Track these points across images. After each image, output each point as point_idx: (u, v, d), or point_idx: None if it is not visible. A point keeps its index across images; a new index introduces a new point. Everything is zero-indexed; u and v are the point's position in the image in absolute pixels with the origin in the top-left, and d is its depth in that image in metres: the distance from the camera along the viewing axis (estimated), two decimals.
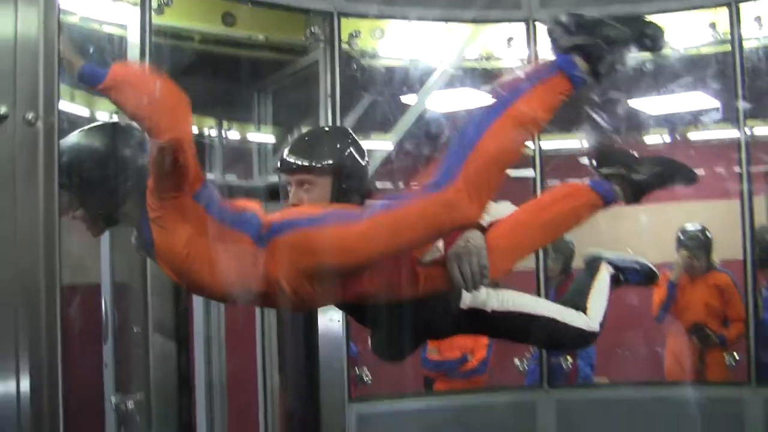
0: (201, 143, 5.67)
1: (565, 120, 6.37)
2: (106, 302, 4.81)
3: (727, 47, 5.63)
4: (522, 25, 5.73)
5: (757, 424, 5.40)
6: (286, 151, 3.09)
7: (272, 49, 5.51)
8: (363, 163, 3.10)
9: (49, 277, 1.68)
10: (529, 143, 5.77)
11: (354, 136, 3.18)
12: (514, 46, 5.90)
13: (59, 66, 1.71)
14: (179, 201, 2.58)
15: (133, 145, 2.69)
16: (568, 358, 5.94)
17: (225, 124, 6.00)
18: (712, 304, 6.18)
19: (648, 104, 7.04)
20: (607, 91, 5.94)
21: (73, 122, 3.52)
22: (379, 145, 5.90)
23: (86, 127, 2.70)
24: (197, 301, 5.21)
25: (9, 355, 1.65)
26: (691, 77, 6.18)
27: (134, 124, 2.64)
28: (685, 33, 5.93)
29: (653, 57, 6.01)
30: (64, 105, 2.62)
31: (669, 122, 7.27)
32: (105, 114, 4.36)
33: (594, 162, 3.20)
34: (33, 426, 1.65)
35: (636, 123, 7.10)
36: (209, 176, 5.54)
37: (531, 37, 5.69)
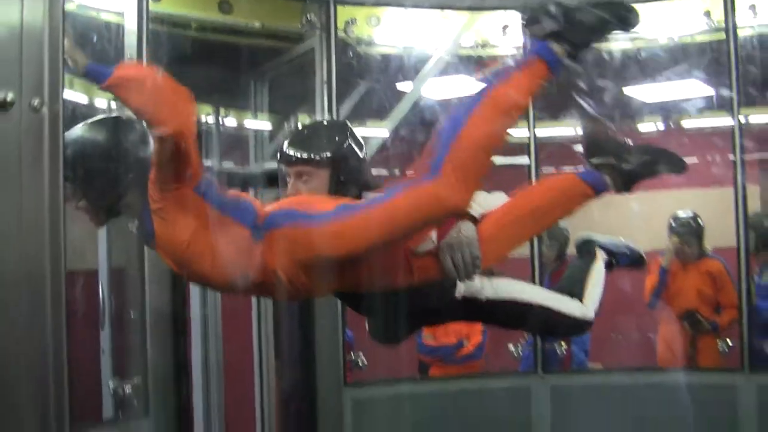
0: (198, 130, 5.67)
1: (559, 107, 6.41)
2: (103, 288, 4.83)
3: (722, 35, 5.65)
4: (517, 13, 5.75)
5: (750, 410, 5.44)
6: (285, 144, 3.13)
7: (269, 37, 5.51)
8: (361, 156, 3.14)
9: (55, 262, 1.71)
10: (512, 130, 5.81)
11: (352, 129, 3.21)
12: (510, 34, 5.92)
13: (63, 54, 1.74)
14: (180, 192, 2.63)
15: (134, 138, 2.75)
16: (563, 344, 5.97)
17: (222, 111, 6.01)
18: (705, 290, 6.21)
19: (642, 92, 7.06)
20: (601, 80, 5.96)
21: (73, 109, 3.55)
22: (374, 133, 5.92)
23: (89, 121, 2.74)
24: (194, 287, 5.23)
25: (16, 341, 1.68)
26: (685, 65, 6.20)
27: (136, 117, 2.70)
28: (680, 21, 5.95)
29: (648, 45, 6.07)
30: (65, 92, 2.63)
31: (663, 110, 7.30)
32: (104, 101, 4.37)
33: (584, 152, 3.22)
34: (40, 409, 1.68)
35: (630, 111, 7.12)
36: (206, 163, 5.55)
37: None
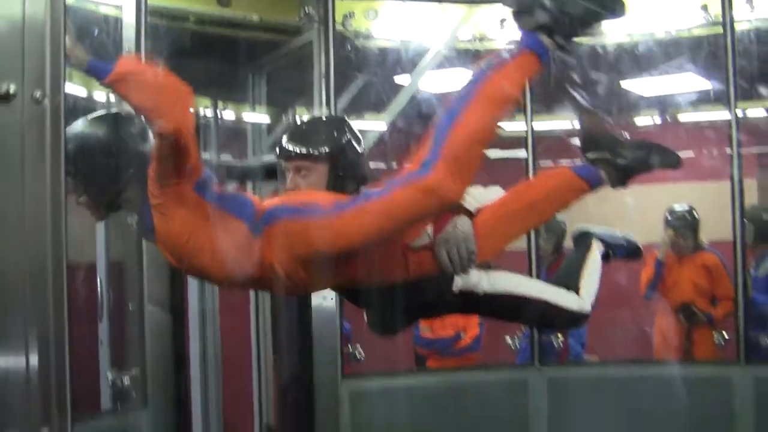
0: (196, 124, 5.68)
1: (557, 101, 6.42)
2: (101, 280, 4.84)
3: (719, 29, 5.67)
4: (508, 6, 5.74)
5: (746, 402, 5.46)
6: (284, 139, 3.16)
7: (267, 30, 5.52)
8: (359, 151, 3.17)
9: (57, 251, 1.72)
10: (510, 123, 5.85)
11: (351, 124, 3.25)
12: (507, 27, 5.93)
13: (65, 48, 1.76)
14: (180, 188, 2.66)
15: (134, 134, 2.78)
16: (560, 336, 6.00)
17: (220, 104, 6.03)
18: (700, 283, 6.24)
19: (639, 85, 7.08)
20: (598, 73, 5.98)
21: (73, 102, 3.56)
22: (372, 126, 5.93)
23: (89, 117, 2.78)
24: (192, 279, 5.25)
25: (18, 333, 1.70)
26: (682, 59, 6.22)
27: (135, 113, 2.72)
28: (677, 15, 5.97)
29: (645, 39, 6.08)
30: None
31: (660, 103, 7.31)
32: (102, 94, 4.38)
33: (581, 146, 3.24)
34: (42, 401, 1.70)
35: (627, 104, 7.14)
36: (205, 156, 5.57)
37: None
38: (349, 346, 5.51)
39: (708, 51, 6.04)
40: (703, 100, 6.92)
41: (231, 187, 5.51)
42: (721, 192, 5.69)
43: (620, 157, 3.11)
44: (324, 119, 3.93)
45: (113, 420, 4.59)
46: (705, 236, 6.32)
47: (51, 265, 1.71)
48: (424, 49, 5.88)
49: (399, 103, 5.79)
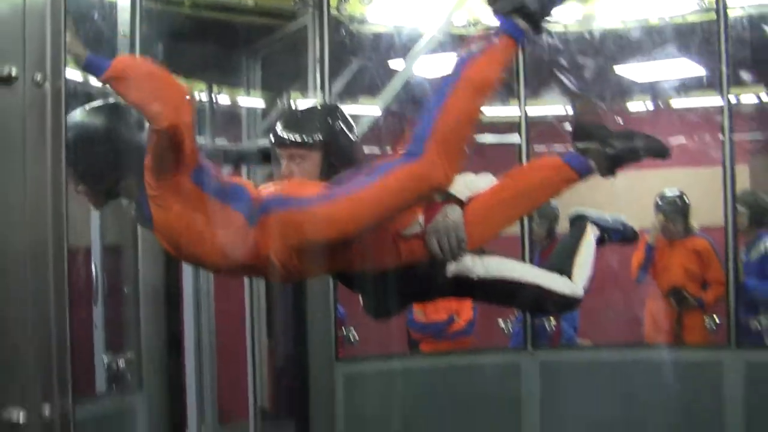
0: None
1: (550, 87, 6.44)
2: (96, 264, 4.87)
3: (712, 15, 5.68)
4: None
5: (737, 385, 5.50)
6: (278, 126, 3.19)
7: (261, 14, 5.53)
8: (352, 138, 3.21)
9: (57, 233, 1.74)
10: (504, 109, 5.86)
11: (344, 112, 3.28)
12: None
13: (65, 30, 1.77)
14: (176, 180, 2.68)
15: (132, 124, 2.81)
16: (552, 320, 6.04)
17: (215, 88, 6.04)
18: (691, 268, 6.26)
19: (632, 71, 7.10)
20: (591, 59, 6.00)
21: (74, 88, 3.57)
22: (366, 110, 5.94)
23: (87, 106, 2.80)
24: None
25: (19, 313, 1.73)
26: (676, 45, 6.24)
27: None
28: (671, 1, 5.98)
29: (639, 25, 6.09)
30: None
31: (653, 89, 7.34)
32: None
33: (572, 135, 3.28)
34: (43, 379, 1.73)
35: (620, 90, 7.16)
36: (200, 140, 5.58)
37: None
38: (343, 329, 5.55)
39: (701, 37, 6.06)
40: (696, 86, 6.95)
41: (226, 170, 5.52)
42: (713, 177, 5.72)
43: (609, 146, 3.14)
44: (318, 107, 3.96)
45: (108, 402, 4.63)
46: (697, 221, 6.35)
47: (52, 246, 1.73)
48: (419, 34, 5.89)
49: (393, 87, 5.79)
